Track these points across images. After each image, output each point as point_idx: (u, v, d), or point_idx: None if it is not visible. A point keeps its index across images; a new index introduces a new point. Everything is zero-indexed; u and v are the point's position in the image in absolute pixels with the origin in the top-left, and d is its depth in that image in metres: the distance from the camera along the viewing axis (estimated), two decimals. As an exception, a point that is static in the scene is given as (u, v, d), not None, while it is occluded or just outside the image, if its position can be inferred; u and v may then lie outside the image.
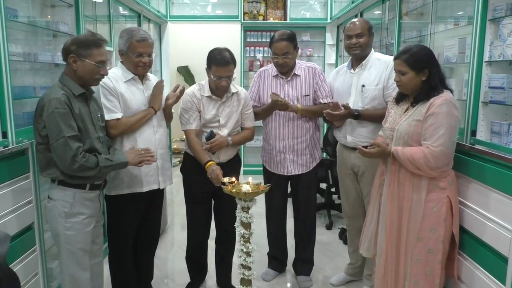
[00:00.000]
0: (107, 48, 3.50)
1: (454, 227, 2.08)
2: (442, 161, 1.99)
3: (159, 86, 2.45)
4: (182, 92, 2.54)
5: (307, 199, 2.89)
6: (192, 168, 2.61)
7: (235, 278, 2.61)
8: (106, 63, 2.04)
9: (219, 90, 2.51)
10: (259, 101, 2.83)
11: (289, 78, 2.74)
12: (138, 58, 2.31)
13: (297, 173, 2.81)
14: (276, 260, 3.07)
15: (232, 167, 2.64)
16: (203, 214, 2.73)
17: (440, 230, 2.04)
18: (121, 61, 2.41)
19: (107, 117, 2.26)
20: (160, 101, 2.47)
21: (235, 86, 2.64)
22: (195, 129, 2.55)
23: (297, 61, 2.77)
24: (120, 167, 2.11)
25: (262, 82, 2.81)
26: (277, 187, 2.79)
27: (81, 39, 1.97)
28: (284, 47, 2.62)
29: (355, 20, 2.61)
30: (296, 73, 2.73)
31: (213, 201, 2.75)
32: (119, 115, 2.29)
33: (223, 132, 2.56)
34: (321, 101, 2.72)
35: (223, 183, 2.22)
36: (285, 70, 2.72)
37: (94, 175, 2.00)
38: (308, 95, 2.73)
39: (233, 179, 2.23)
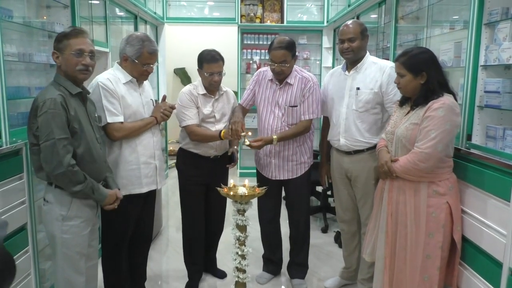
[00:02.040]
0: (102, 49, 3.52)
1: (455, 233, 2.05)
2: (431, 163, 1.98)
3: (164, 101, 2.59)
4: (170, 109, 2.57)
5: (298, 203, 2.88)
6: (188, 163, 2.78)
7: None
8: (88, 54, 1.97)
9: (212, 86, 2.71)
10: (252, 99, 2.86)
11: (281, 86, 2.71)
12: (145, 68, 2.36)
13: (282, 179, 2.80)
14: (271, 263, 3.06)
15: (224, 161, 2.87)
16: (200, 207, 2.87)
17: (438, 236, 2.03)
18: (117, 63, 2.41)
19: (110, 119, 2.26)
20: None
21: (223, 86, 2.85)
22: (196, 123, 2.70)
23: (296, 68, 2.73)
24: (96, 201, 2.07)
25: (259, 82, 2.82)
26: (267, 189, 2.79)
27: (59, 34, 1.97)
28: (282, 55, 2.58)
29: (348, 23, 2.55)
30: (289, 81, 2.69)
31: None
32: (121, 118, 2.31)
33: (218, 126, 2.75)
34: (302, 117, 2.69)
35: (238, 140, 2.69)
36: (281, 78, 2.69)
37: (71, 191, 1.92)
38: (296, 106, 2.69)
39: (249, 133, 2.60)
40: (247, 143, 2.57)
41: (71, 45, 1.94)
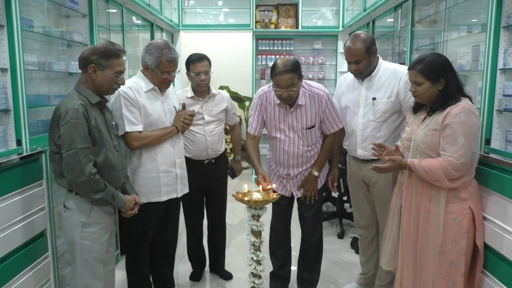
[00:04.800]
0: (121, 57, 3.58)
1: (478, 239, 2.01)
2: (464, 171, 1.95)
3: (184, 110, 2.60)
4: (190, 117, 2.57)
5: (313, 219, 2.73)
6: None
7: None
8: (124, 73, 2.06)
9: (200, 86, 2.78)
10: (262, 125, 2.62)
11: (292, 109, 2.49)
12: (165, 76, 2.36)
13: (300, 196, 2.68)
14: (279, 279, 2.88)
15: (220, 165, 2.97)
16: (199, 213, 3.05)
17: (462, 243, 1.99)
18: (141, 70, 2.42)
19: (128, 128, 2.28)
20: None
21: (215, 88, 2.93)
22: None
23: (302, 84, 2.50)
24: (116, 207, 2.12)
25: (265, 107, 2.57)
26: (279, 204, 2.67)
27: (101, 50, 1.97)
28: (289, 79, 2.33)
29: (350, 44, 2.38)
30: (300, 103, 2.48)
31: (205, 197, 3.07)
32: (140, 127, 2.32)
33: (208, 128, 2.84)
34: (330, 131, 2.56)
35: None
36: (290, 103, 2.47)
37: (93, 199, 1.95)
38: (314, 126, 2.52)
39: (274, 185, 2.41)
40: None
41: (114, 66, 1.98)
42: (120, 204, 2.07)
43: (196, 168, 2.83)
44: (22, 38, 2.15)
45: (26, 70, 2.22)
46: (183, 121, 2.49)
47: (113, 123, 2.19)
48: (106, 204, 2.03)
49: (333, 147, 2.70)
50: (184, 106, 2.64)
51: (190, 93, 2.82)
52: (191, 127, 2.75)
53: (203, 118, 2.82)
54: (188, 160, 2.79)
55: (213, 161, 2.89)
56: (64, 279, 2.51)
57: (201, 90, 2.80)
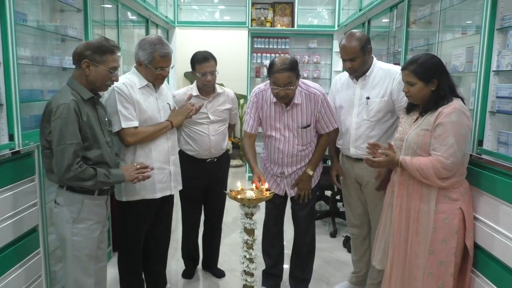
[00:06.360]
0: (115, 53, 3.56)
1: (468, 239, 2.02)
2: (454, 171, 1.96)
3: (186, 107, 2.58)
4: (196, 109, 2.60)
5: (306, 218, 2.74)
6: (184, 165, 2.70)
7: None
8: (118, 69, 2.05)
9: (206, 86, 2.73)
10: (259, 123, 2.64)
11: (288, 108, 2.51)
12: (159, 72, 2.35)
13: (293, 195, 2.69)
14: (272, 277, 2.90)
15: (222, 164, 2.95)
16: (197, 210, 3.02)
17: (452, 242, 2.00)
18: (134, 67, 2.42)
19: (124, 124, 2.27)
20: (181, 120, 2.54)
21: (221, 87, 2.89)
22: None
23: (299, 83, 2.51)
24: (117, 183, 2.12)
25: (261, 105, 2.59)
26: (272, 203, 2.68)
27: (95, 45, 1.97)
28: (286, 78, 2.34)
29: (346, 42, 2.41)
30: (296, 102, 2.50)
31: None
32: (136, 123, 2.31)
33: (212, 127, 2.80)
34: (325, 130, 2.58)
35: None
36: (286, 101, 2.49)
37: (90, 187, 1.95)
38: (309, 125, 2.54)
39: (266, 184, 2.36)
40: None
41: (108, 62, 1.97)
42: (118, 178, 2.04)
43: (197, 166, 2.82)
44: (15, 32, 2.12)
45: (20, 65, 2.20)
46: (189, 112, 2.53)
47: (106, 119, 2.18)
48: (106, 186, 2.02)
49: (330, 146, 2.74)
50: (190, 98, 2.66)
51: (195, 92, 2.78)
52: (195, 126, 2.75)
53: (207, 118, 2.79)
54: (190, 158, 2.79)
55: (215, 160, 2.87)
56: (56, 275, 2.50)
57: (207, 90, 2.77)
